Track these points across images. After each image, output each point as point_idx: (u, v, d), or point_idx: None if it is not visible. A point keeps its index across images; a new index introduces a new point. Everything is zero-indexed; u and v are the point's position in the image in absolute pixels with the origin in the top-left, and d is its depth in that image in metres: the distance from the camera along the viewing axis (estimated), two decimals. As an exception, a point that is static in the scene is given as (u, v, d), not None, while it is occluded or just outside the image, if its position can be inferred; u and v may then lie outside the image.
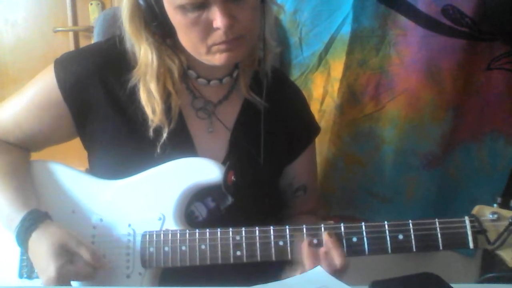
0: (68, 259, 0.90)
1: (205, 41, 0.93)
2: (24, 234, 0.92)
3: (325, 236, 0.90)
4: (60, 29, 2.10)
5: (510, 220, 0.85)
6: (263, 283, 0.82)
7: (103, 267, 0.93)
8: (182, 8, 0.90)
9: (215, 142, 1.06)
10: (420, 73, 1.37)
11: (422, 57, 1.36)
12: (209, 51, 0.94)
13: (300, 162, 1.15)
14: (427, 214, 1.43)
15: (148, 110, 0.98)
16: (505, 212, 0.87)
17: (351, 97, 1.41)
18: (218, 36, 0.92)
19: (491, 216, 0.87)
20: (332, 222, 0.93)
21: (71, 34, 2.12)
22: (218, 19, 0.89)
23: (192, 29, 0.92)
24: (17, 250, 0.99)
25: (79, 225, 0.98)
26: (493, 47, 1.38)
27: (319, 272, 0.88)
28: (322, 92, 1.44)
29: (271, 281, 0.84)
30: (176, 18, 0.93)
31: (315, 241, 0.91)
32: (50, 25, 2.10)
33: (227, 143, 1.06)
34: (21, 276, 0.99)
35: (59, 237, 0.91)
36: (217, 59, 0.95)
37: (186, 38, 0.95)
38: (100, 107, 1.02)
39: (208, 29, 0.91)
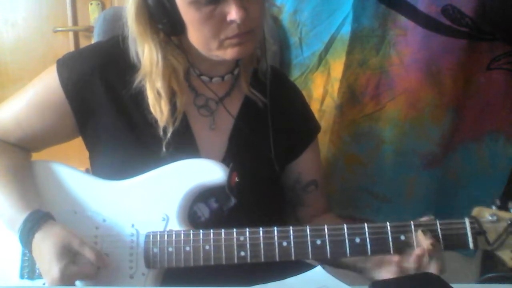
0: (71, 259, 0.90)
1: (217, 36, 0.94)
2: (27, 235, 0.92)
3: (420, 236, 0.88)
4: (60, 29, 2.09)
5: (509, 222, 0.87)
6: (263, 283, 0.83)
7: (107, 266, 0.93)
8: (196, 3, 0.91)
9: (217, 139, 1.06)
10: (420, 73, 1.38)
11: (422, 57, 1.37)
12: (221, 45, 0.95)
13: (304, 159, 1.15)
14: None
15: (155, 110, 0.98)
16: (503, 214, 0.88)
17: (351, 97, 1.42)
18: (231, 29, 0.92)
19: (490, 217, 0.88)
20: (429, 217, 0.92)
21: (71, 34, 2.11)
22: (233, 11, 0.90)
23: (206, 23, 0.93)
24: (18, 251, 0.98)
25: (81, 225, 0.98)
26: (493, 47, 1.38)
27: (319, 272, 0.88)
28: (322, 92, 1.44)
29: (273, 281, 0.84)
30: (189, 14, 0.93)
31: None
32: (50, 25, 2.09)
33: (228, 140, 1.06)
34: (22, 277, 0.98)
35: (61, 238, 0.91)
36: (229, 53, 0.96)
37: (199, 33, 0.95)
38: (102, 106, 1.02)
39: (221, 23, 0.92)
